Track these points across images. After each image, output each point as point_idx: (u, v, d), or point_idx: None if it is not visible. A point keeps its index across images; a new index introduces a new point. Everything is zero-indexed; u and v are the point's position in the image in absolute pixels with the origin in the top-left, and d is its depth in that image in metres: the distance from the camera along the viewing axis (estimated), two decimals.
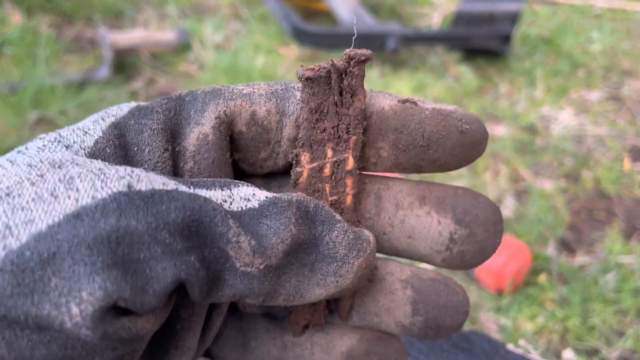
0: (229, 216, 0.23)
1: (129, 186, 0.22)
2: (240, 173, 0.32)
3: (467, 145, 0.28)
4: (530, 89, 2.07)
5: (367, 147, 0.29)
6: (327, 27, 2.27)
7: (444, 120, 0.28)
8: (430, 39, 2.19)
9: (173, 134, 0.28)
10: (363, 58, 0.28)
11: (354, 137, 0.28)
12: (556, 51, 2.31)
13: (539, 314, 1.24)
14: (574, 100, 2.02)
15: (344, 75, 0.28)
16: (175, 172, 0.28)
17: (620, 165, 1.72)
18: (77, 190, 0.22)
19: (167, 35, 2.07)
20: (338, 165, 0.29)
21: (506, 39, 2.13)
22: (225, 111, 0.28)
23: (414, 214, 0.30)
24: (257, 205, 0.24)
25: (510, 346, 0.66)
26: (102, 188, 0.22)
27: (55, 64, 1.92)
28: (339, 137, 0.28)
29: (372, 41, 2.03)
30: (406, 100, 0.29)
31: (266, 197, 0.25)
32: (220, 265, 0.23)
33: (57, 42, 2.01)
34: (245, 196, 0.25)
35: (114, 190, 0.22)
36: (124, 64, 1.97)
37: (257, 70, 1.95)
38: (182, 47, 2.09)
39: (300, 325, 0.30)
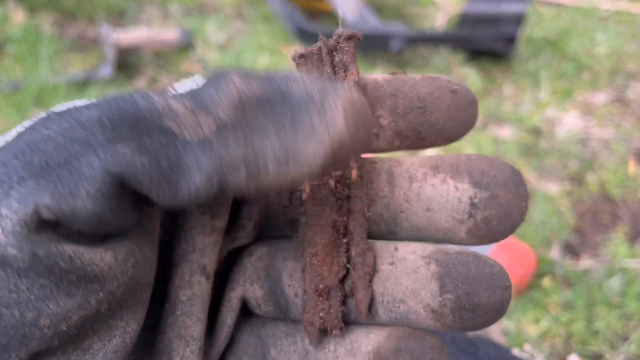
0: (150, 93, 0.21)
1: (50, 111, 0.21)
2: None
3: (461, 106, 0.29)
4: (534, 91, 2.06)
5: None
6: (332, 27, 2.26)
7: (434, 82, 0.29)
8: (434, 40, 2.18)
9: None
10: (349, 34, 0.29)
11: None
12: (561, 53, 2.30)
13: (542, 318, 1.23)
14: (579, 103, 2.01)
15: (335, 53, 0.29)
16: None
17: (625, 168, 1.71)
18: (16, 130, 0.21)
19: (170, 34, 2.06)
20: None
21: (511, 40, 2.13)
22: None
23: (428, 184, 0.28)
24: (200, 85, 0.22)
25: (516, 351, 0.65)
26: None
27: (57, 62, 1.91)
28: None
29: (376, 42, 2.02)
30: (396, 72, 0.30)
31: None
32: (171, 150, 0.21)
33: (60, 40, 2.01)
34: (190, 84, 0.23)
35: (38, 118, 0.21)
36: (127, 62, 1.96)
37: (260, 70, 1.95)
38: (185, 46, 2.09)
39: (315, 325, 0.28)
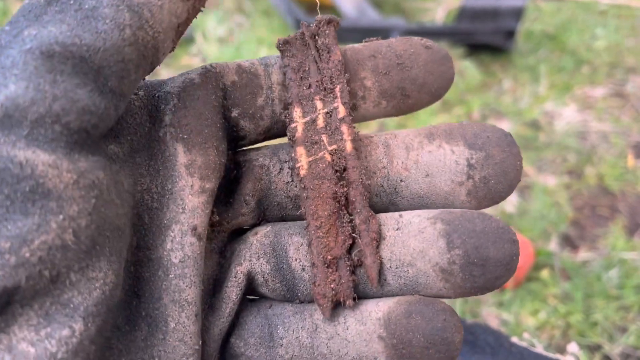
0: None
1: None
2: (240, 148, 0.32)
3: (437, 61, 0.30)
4: (534, 85, 2.06)
5: (352, 82, 0.31)
6: None
7: (408, 41, 0.31)
8: (434, 34, 2.18)
9: (152, 85, 0.29)
10: (328, 19, 0.31)
11: (338, 86, 0.30)
12: (560, 47, 2.30)
13: (541, 310, 1.23)
14: (578, 97, 2.01)
15: (317, 37, 0.31)
16: (153, 115, 0.28)
17: (623, 161, 1.71)
18: None
19: None
20: (330, 115, 0.30)
21: (510, 34, 2.13)
22: (212, 64, 0.30)
23: (425, 150, 0.29)
24: None
25: (515, 339, 0.65)
26: None
27: None
28: (324, 88, 0.30)
29: (376, 35, 2.01)
30: (371, 39, 0.32)
31: None
32: (70, 9, 0.22)
33: None
34: None
35: None
36: None
37: None
38: (185, 40, 2.09)
39: (327, 297, 0.28)
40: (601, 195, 1.59)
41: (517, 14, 2.08)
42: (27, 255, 0.20)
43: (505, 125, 1.84)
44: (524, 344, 0.66)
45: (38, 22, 0.22)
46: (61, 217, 0.21)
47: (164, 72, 1.95)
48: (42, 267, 0.20)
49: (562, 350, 1.16)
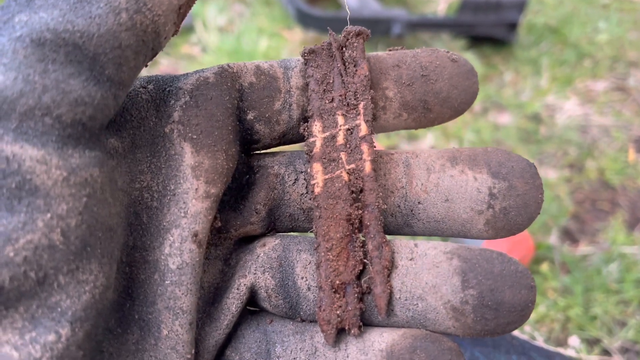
0: None
1: None
2: (254, 151, 0.31)
3: (462, 75, 0.29)
4: (535, 78, 2.05)
5: (373, 90, 0.29)
6: (332, 11, 2.24)
7: (434, 52, 0.30)
8: (435, 26, 2.16)
9: (164, 80, 0.28)
10: (358, 31, 0.30)
11: (362, 103, 0.28)
12: (562, 40, 2.28)
13: (540, 303, 1.23)
14: (580, 90, 2.00)
15: (344, 49, 0.30)
16: (160, 110, 0.27)
17: (624, 155, 1.70)
18: None
19: None
20: (351, 132, 0.28)
21: (512, 27, 2.11)
22: (229, 64, 0.28)
23: (447, 175, 0.28)
24: None
25: (516, 332, 0.65)
26: None
27: None
28: (347, 104, 0.29)
29: (377, 26, 2.00)
30: (395, 48, 0.31)
31: None
32: None
33: None
34: None
35: None
36: None
37: (260, 54, 1.93)
38: (185, 29, 2.07)
39: (332, 324, 0.26)
40: (602, 189, 1.59)
41: (520, 6, 2.07)
42: (11, 254, 0.19)
43: (507, 118, 1.84)
44: (525, 337, 0.65)
45: (29, 7, 0.21)
46: (49, 215, 0.20)
47: (163, 61, 1.93)
48: (28, 267, 0.19)
49: (561, 344, 1.16)
